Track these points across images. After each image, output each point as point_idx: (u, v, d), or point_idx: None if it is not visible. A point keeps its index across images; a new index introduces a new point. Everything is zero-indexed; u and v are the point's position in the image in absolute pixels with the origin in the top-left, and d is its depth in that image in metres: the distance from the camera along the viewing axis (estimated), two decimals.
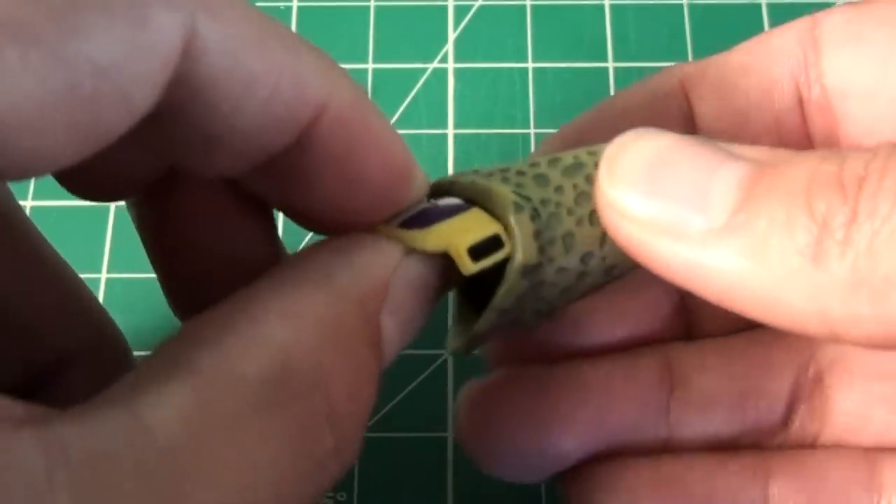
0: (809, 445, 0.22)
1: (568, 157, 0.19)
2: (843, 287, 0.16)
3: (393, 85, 0.37)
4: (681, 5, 0.39)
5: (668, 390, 0.21)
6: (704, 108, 0.22)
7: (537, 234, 0.18)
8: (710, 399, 0.21)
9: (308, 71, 0.16)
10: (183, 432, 0.14)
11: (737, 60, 0.22)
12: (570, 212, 0.18)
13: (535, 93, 0.37)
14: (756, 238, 0.16)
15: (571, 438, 0.21)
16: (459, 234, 0.17)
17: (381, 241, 0.17)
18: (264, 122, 0.16)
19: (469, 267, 0.17)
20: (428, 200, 0.19)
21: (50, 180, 0.37)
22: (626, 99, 0.23)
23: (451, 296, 0.34)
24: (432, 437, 0.32)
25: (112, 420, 0.13)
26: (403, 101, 0.37)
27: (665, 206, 0.17)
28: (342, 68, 0.17)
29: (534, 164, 0.19)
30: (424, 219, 0.18)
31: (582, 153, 0.19)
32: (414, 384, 0.32)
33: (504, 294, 0.18)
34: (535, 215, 0.18)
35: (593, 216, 0.18)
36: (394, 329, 0.17)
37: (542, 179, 0.18)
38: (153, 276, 0.35)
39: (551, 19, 0.38)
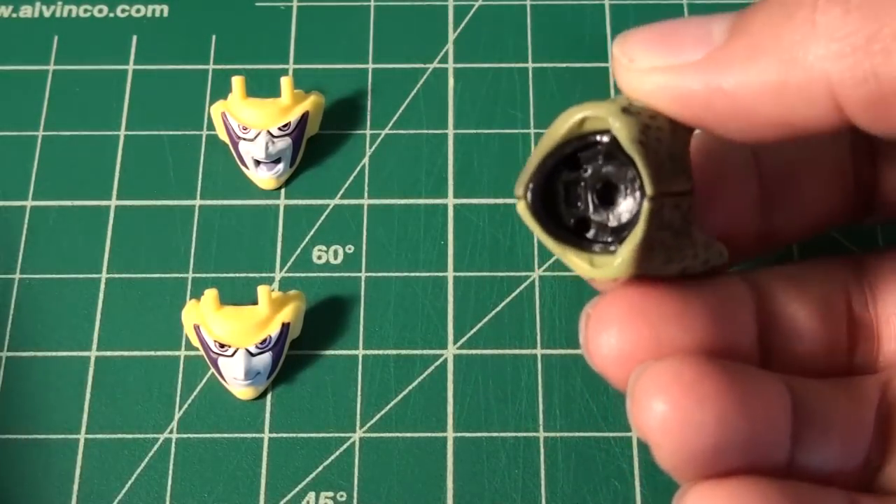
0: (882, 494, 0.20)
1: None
2: (850, 45, 0.17)
3: (393, 85, 0.37)
4: (681, 5, 0.39)
5: (792, 408, 0.20)
6: None
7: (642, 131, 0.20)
8: (829, 426, 0.20)
9: None
10: None
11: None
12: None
13: (535, 93, 0.37)
14: (756, 33, 0.18)
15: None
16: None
17: None
18: None
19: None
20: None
21: (50, 180, 0.37)
22: None
23: (451, 300, 0.34)
24: (432, 437, 0.32)
25: None
26: (403, 101, 0.37)
27: (676, 51, 0.20)
28: None
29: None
30: None
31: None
32: (414, 384, 0.32)
33: (640, 159, 0.19)
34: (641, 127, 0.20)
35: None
36: None
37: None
38: (153, 276, 0.35)
39: (551, 19, 0.38)
